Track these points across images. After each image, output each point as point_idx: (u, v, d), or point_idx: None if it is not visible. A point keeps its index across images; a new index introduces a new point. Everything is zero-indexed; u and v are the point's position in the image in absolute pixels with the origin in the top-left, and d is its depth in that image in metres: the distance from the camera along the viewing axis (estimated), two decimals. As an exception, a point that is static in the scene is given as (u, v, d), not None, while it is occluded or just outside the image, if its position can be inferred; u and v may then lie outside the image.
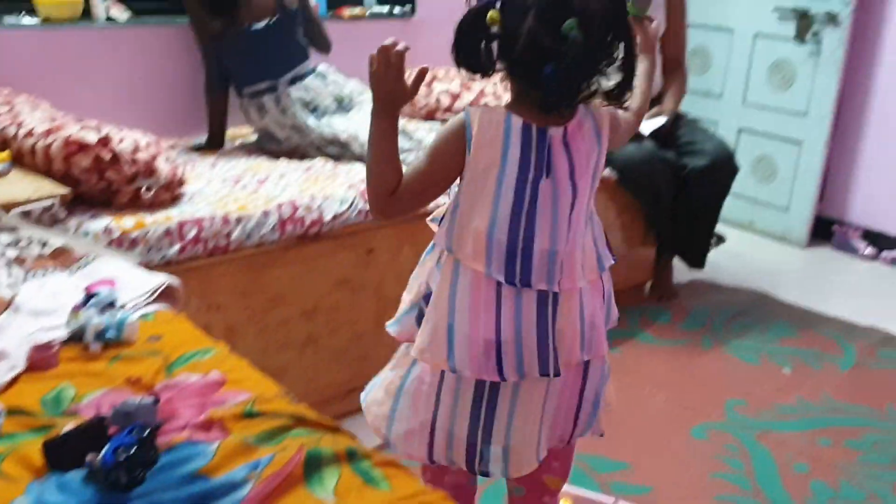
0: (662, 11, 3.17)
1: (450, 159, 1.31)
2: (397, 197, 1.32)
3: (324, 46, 2.92)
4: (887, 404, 2.62)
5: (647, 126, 3.02)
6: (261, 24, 2.66)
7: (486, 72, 1.29)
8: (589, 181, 1.35)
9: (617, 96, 1.32)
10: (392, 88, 1.31)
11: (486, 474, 1.42)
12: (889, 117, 3.86)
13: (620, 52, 1.27)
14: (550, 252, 1.31)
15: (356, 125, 2.69)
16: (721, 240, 3.42)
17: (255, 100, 2.72)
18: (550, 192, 1.30)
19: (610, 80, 1.30)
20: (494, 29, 1.25)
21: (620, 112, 1.41)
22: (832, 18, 3.72)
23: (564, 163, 1.30)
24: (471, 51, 1.28)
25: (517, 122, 1.28)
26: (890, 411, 2.59)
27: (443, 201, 1.41)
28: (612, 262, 1.46)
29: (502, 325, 1.32)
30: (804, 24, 3.81)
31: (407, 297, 1.46)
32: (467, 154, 1.28)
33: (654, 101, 3.18)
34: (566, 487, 2.03)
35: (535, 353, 1.33)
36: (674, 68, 3.24)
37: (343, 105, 2.79)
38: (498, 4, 1.25)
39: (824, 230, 4.08)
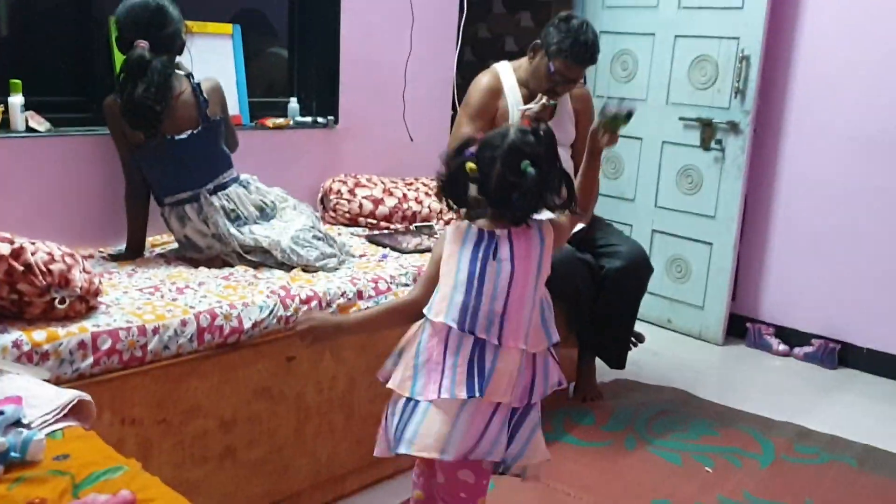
0: (571, 120, 3.32)
1: (438, 260, 1.84)
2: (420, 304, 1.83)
3: (232, 145, 2.93)
4: (805, 499, 2.68)
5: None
6: (184, 135, 2.68)
7: (465, 205, 1.81)
8: (531, 268, 1.78)
9: (565, 206, 1.80)
10: (328, 340, 1.97)
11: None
12: (792, 219, 4.07)
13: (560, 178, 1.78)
14: (491, 312, 1.74)
15: (278, 232, 2.71)
16: (640, 339, 3.50)
17: (176, 209, 2.72)
18: (494, 270, 1.76)
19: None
20: (472, 175, 1.74)
21: (557, 216, 1.86)
22: (734, 127, 3.95)
23: (507, 251, 1.76)
24: (456, 191, 1.79)
25: (474, 228, 1.81)
26: (808, 506, 2.64)
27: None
28: (556, 339, 1.87)
29: (447, 356, 1.76)
30: (708, 132, 4.03)
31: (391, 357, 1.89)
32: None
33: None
34: None
35: (464, 380, 1.74)
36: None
37: (265, 213, 2.81)
38: (474, 157, 1.75)
39: (739, 327, 4.22)
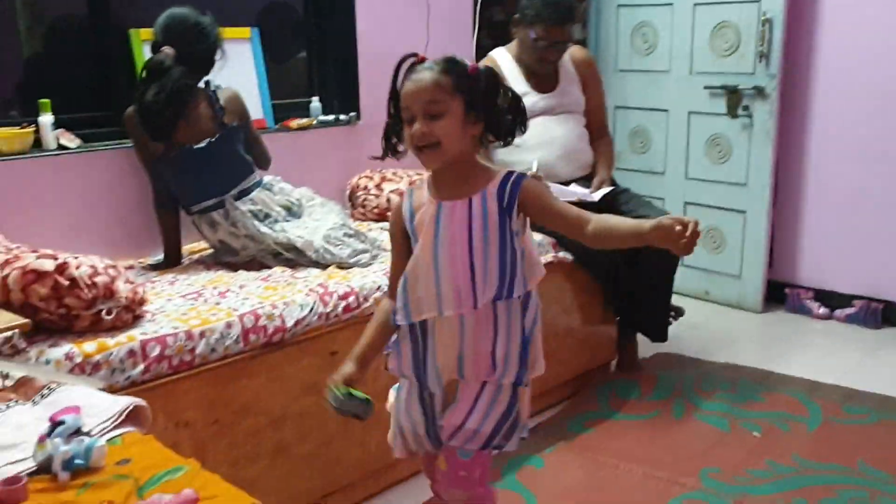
0: (579, 86, 3.31)
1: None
2: None
3: (263, 163, 2.98)
4: (857, 460, 2.66)
5: (597, 194, 3.11)
6: (202, 144, 2.71)
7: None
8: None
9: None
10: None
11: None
12: (825, 181, 4.02)
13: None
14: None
15: (310, 232, 2.73)
16: (680, 313, 3.49)
17: (204, 216, 2.75)
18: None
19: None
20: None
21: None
22: (760, 92, 3.91)
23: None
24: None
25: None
26: (861, 466, 2.62)
27: None
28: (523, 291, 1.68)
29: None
30: (734, 99, 3.99)
31: None
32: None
33: (590, 174, 3.29)
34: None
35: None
36: (599, 136, 3.39)
37: (293, 212, 2.84)
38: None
39: (778, 294, 4.18)
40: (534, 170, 3.05)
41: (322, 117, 3.55)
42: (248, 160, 2.84)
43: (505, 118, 1.65)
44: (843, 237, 4.01)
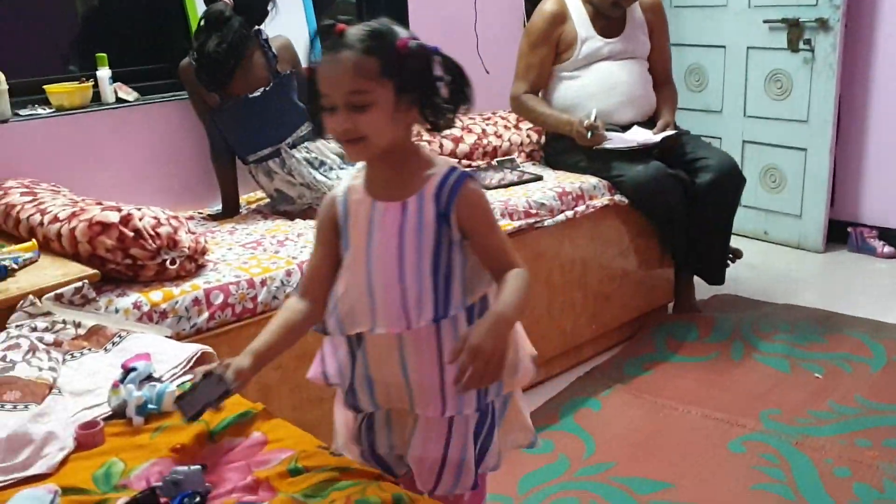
0: (645, 31, 3.25)
1: None
2: None
3: None
4: (922, 400, 2.62)
5: (659, 136, 3.07)
6: (257, 93, 2.73)
7: None
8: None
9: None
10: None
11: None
12: (890, 116, 3.89)
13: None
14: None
15: None
16: (738, 254, 3.44)
17: (260, 165, 2.78)
18: None
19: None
20: None
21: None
22: (823, 24, 3.77)
23: None
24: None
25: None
26: (926, 407, 2.58)
27: None
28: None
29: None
30: (795, 33, 3.86)
31: None
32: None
33: (652, 120, 3.24)
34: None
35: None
36: (663, 83, 3.33)
37: (346, 160, 2.85)
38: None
39: (840, 233, 4.09)
40: (592, 119, 3.01)
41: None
42: (302, 108, 2.85)
43: (441, 102, 1.32)
44: (909, 173, 3.89)
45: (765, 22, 3.98)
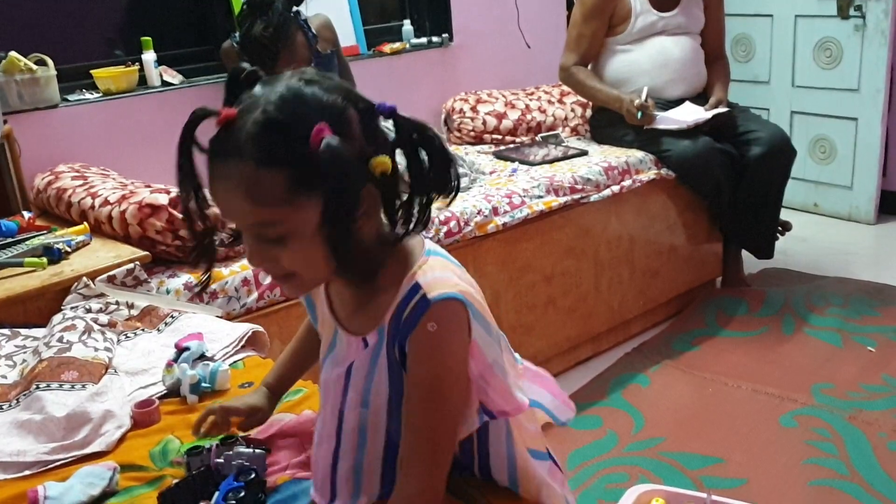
0: (699, 6, 3.19)
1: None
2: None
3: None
4: (981, 374, 2.56)
5: (710, 112, 3.02)
6: None
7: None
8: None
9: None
10: None
11: None
12: (946, 81, 3.77)
13: None
14: None
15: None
16: (787, 227, 3.38)
17: None
18: None
19: None
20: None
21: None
22: (874, -10, 3.67)
23: None
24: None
25: (429, 242, 1.05)
26: (985, 380, 2.52)
27: None
28: None
29: None
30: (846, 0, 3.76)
31: None
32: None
33: (702, 95, 3.19)
34: (658, 486, 2.03)
35: None
36: (716, 58, 3.27)
37: None
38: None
39: (892, 204, 3.99)
40: (643, 98, 2.96)
41: (414, 40, 3.52)
42: None
43: (411, 191, 0.95)
44: (965, 142, 3.77)
45: (814, -11, 3.88)
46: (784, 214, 3.33)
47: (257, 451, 1.20)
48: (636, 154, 2.99)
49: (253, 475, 1.16)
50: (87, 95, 2.72)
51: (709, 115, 2.99)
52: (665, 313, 3.17)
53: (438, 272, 0.97)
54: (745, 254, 3.35)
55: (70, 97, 2.69)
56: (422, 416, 0.96)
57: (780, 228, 3.33)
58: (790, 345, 2.86)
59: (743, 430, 2.39)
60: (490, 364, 1.00)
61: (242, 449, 1.19)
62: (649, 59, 3.11)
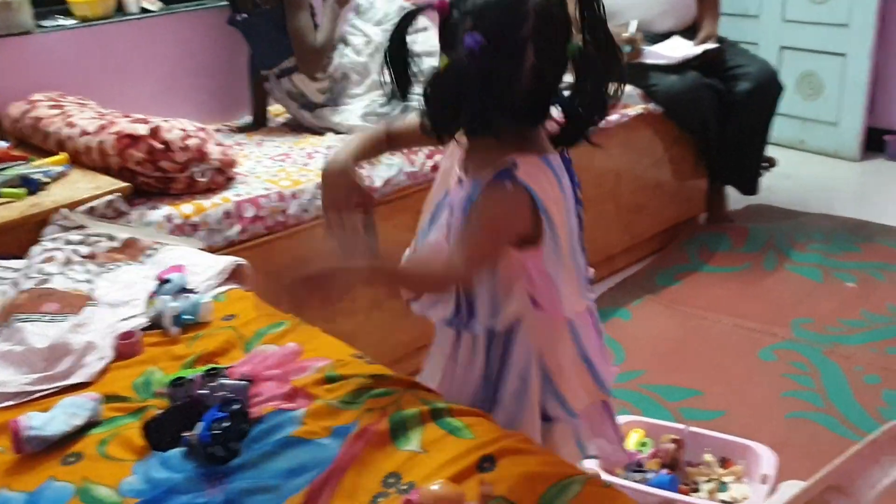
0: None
1: (518, 233, 1.18)
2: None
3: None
4: (958, 309, 2.60)
5: (700, 48, 2.98)
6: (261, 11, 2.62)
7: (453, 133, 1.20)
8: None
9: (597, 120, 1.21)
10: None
11: None
12: (936, 17, 3.74)
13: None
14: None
15: (345, 116, 2.64)
16: (772, 163, 3.37)
17: (280, 78, 2.71)
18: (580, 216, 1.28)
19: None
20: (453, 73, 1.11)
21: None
22: (867, -79, 3.60)
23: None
24: (445, 107, 1.14)
25: (555, 159, 1.20)
26: (961, 316, 2.56)
27: None
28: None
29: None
30: (838, -70, 3.70)
31: None
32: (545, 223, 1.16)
33: (691, 29, 3.14)
34: (638, 417, 2.07)
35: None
36: None
37: (334, 92, 2.70)
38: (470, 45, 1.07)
39: (878, 141, 3.99)
40: (631, 30, 2.92)
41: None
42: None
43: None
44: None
45: (807, -81, 3.81)
46: (771, 151, 3.32)
47: (240, 382, 1.20)
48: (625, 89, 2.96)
49: (237, 406, 1.17)
50: (63, 22, 2.64)
51: (698, 50, 2.96)
52: (650, 248, 3.18)
53: (535, 170, 1.15)
54: (731, 190, 3.35)
55: (45, 23, 2.62)
56: (472, 231, 1.17)
57: (765, 164, 3.33)
58: (772, 280, 2.88)
59: (723, 363, 2.42)
60: (547, 273, 1.20)
61: (226, 381, 1.19)
62: None
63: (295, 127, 2.79)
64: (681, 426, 2.03)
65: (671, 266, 3.03)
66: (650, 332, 2.62)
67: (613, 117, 2.86)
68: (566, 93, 1.17)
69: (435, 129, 1.17)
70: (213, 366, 1.26)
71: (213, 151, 2.10)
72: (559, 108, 1.17)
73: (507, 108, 1.12)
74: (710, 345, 2.53)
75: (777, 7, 4.07)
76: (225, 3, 2.76)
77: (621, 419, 1.80)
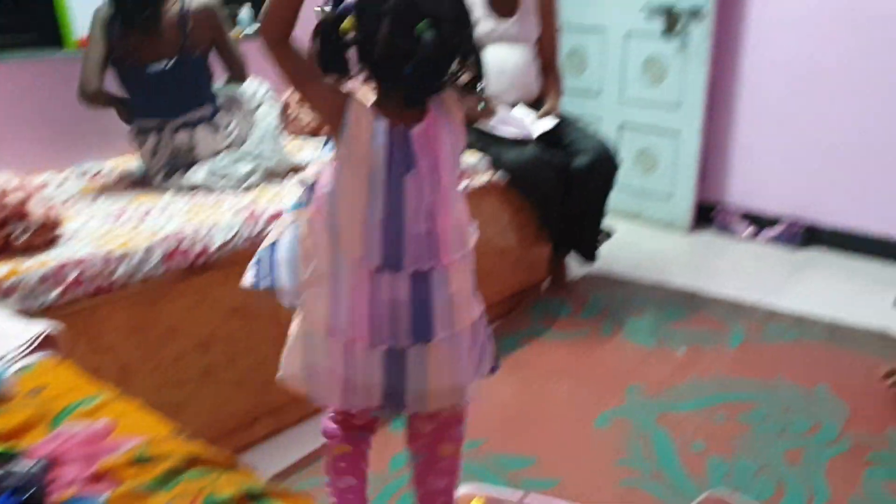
0: (536, 16, 3.26)
1: (331, 101, 1.44)
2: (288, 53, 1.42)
3: (237, 73, 2.75)
4: (777, 375, 2.76)
5: (540, 127, 3.10)
6: (159, 67, 2.53)
7: (345, 75, 1.44)
8: (452, 167, 1.51)
9: (471, 87, 1.48)
10: None
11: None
12: (757, 102, 4.05)
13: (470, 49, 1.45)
14: (418, 235, 1.48)
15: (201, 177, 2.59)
16: (609, 234, 3.52)
17: (140, 136, 2.62)
18: (415, 184, 1.46)
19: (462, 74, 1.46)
20: (349, 36, 1.40)
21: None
22: (696, 13, 3.88)
23: (426, 156, 1.45)
24: (332, 57, 1.42)
25: (383, 124, 1.43)
26: (780, 382, 2.72)
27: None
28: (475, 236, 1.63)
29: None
30: (671, 19, 3.96)
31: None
32: (343, 130, 1.43)
33: (536, 104, 3.27)
34: (475, 487, 2.07)
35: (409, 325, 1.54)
36: (550, 69, 3.36)
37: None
38: (353, 13, 1.38)
39: (706, 215, 4.25)
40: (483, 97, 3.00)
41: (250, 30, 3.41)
42: (203, 91, 2.65)
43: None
44: (771, 158, 4.06)
45: (642, 9, 4.06)
46: (610, 221, 3.47)
47: (36, 465, 1.11)
48: (472, 156, 3.03)
49: (31, 491, 1.08)
50: None
51: (535, 133, 3.08)
52: (495, 313, 3.22)
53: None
54: (571, 257, 3.47)
55: None
56: None
57: (604, 234, 3.47)
58: (609, 346, 2.98)
59: (559, 431, 2.46)
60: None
61: (19, 465, 1.10)
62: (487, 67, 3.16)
63: (136, 182, 2.67)
64: (518, 494, 2.04)
65: (515, 332, 3.09)
66: (492, 398, 2.64)
67: (461, 186, 2.91)
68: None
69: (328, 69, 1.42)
70: (6, 449, 1.16)
71: (35, 210, 1.98)
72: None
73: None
74: (549, 412, 2.57)
75: (616, 86, 4.30)
76: (60, 54, 2.66)
77: (461, 489, 1.80)
